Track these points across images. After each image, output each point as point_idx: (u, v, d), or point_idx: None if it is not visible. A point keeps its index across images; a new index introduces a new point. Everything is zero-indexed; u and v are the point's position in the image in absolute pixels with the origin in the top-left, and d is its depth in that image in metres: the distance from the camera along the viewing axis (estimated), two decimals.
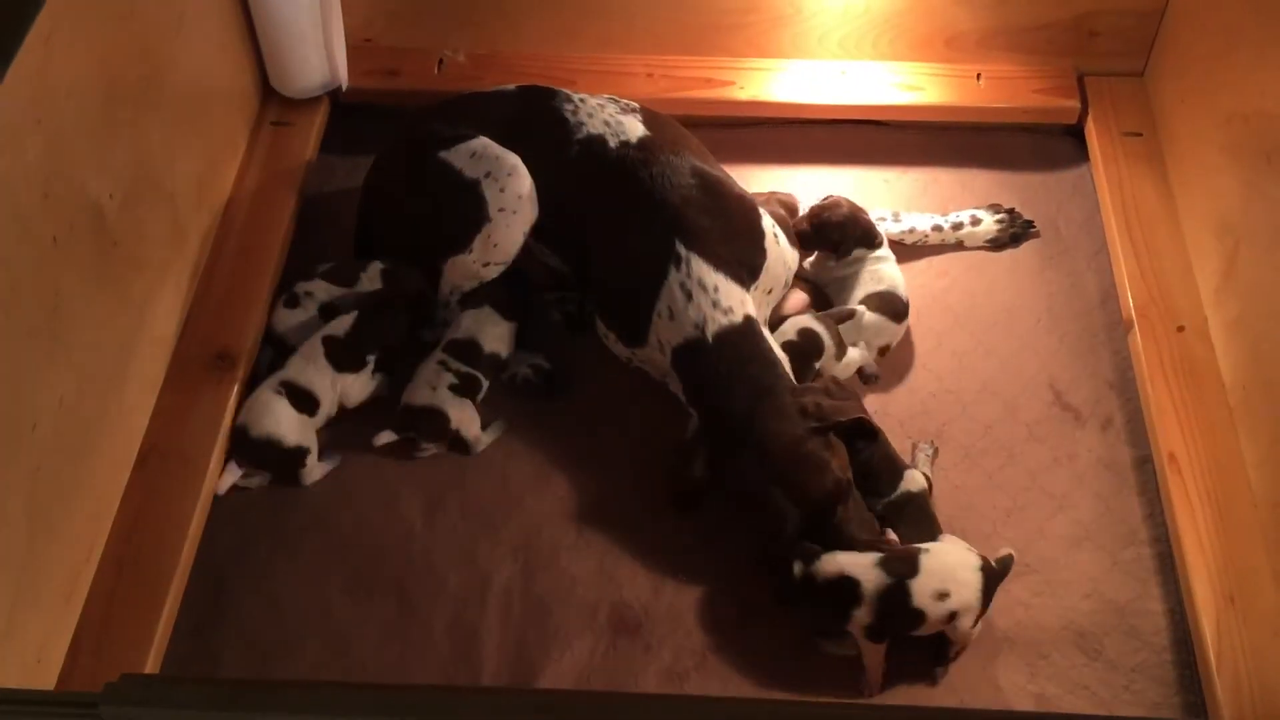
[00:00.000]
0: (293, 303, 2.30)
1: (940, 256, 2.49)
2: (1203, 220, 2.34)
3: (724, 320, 2.09)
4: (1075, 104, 2.65)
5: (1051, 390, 2.30)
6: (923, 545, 1.95)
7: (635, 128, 2.25)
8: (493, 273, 2.27)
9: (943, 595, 1.88)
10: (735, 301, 2.11)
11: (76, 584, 1.92)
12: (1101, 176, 2.55)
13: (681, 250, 2.12)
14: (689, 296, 2.10)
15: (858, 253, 2.33)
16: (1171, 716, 1.91)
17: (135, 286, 2.08)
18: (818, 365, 2.19)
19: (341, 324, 2.23)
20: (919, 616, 1.89)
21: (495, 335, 2.26)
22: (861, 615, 1.89)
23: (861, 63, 2.69)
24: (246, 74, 2.56)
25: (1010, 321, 2.39)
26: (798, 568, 1.93)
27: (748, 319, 2.11)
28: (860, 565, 1.91)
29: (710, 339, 2.08)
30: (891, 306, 2.29)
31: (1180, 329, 2.29)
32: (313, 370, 2.19)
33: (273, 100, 2.63)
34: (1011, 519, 2.12)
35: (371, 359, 2.23)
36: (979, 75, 2.68)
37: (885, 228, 2.44)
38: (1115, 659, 1.98)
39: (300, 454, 2.14)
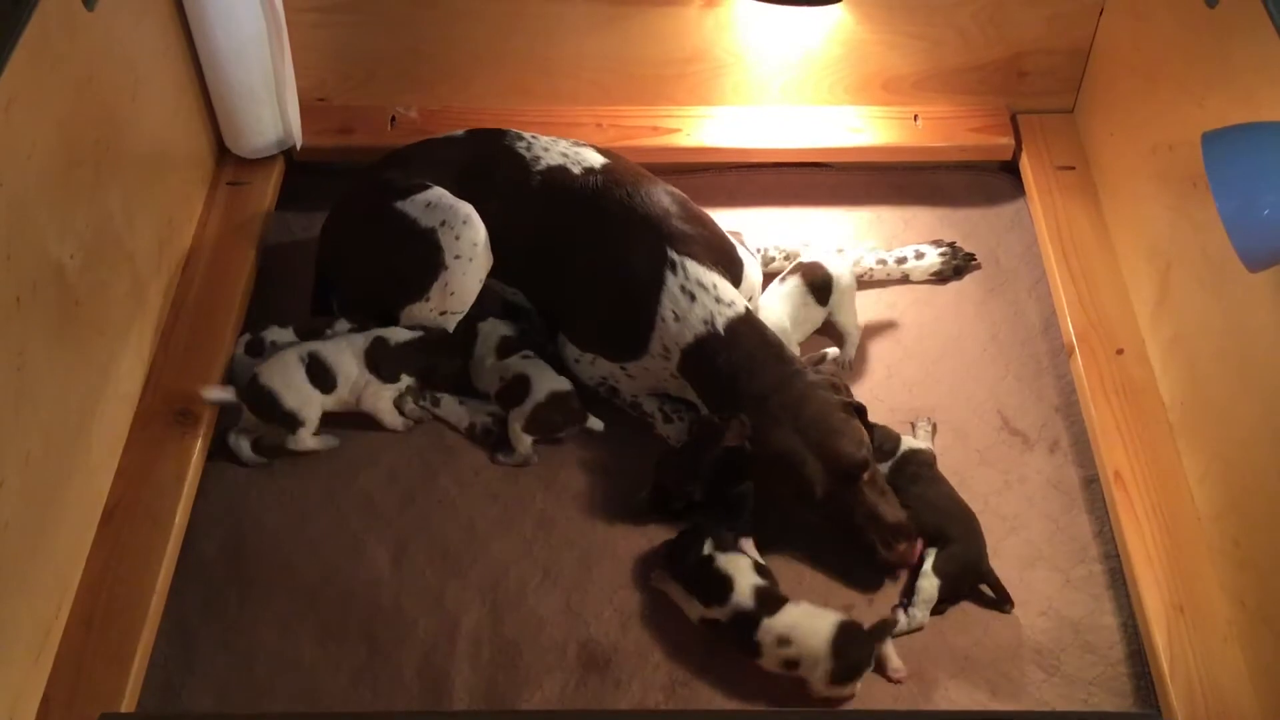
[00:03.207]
0: (256, 350, 2.33)
1: (887, 290, 2.56)
2: (1135, 247, 2.43)
3: (729, 312, 2.18)
4: (1009, 141, 2.74)
5: (999, 416, 2.36)
6: (799, 604, 1.99)
7: (594, 156, 2.34)
8: (450, 322, 2.31)
9: (783, 642, 1.95)
10: (733, 295, 2.21)
11: (46, 641, 1.92)
12: (1038, 209, 2.64)
13: (675, 256, 2.20)
14: (692, 297, 2.17)
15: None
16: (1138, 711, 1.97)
17: (98, 345, 2.11)
18: None
19: (397, 334, 2.26)
20: (755, 648, 1.97)
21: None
22: (713, 613, 2.00)
23: (802, 107, 2.78)
24: (202, 135, 2.60)
25: (957, 351, 2.46)
26: (708, 547, 2.04)
27: (746, 309, 2.20)
28: (744, 580, 2.00)
29: (722, 331, 2.16)
30: (819, 274, 2.41)
31: (1119, 352, 2.36)
32: (344, 357, 2.23)
33: (228, 160, 2.67)
34: None
35: (406, 381, 2.26)
36: (916, 116, 2.77)
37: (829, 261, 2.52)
38: (1073, 673, 2.03)
39: (292, 420, 2.19)
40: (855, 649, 1.94)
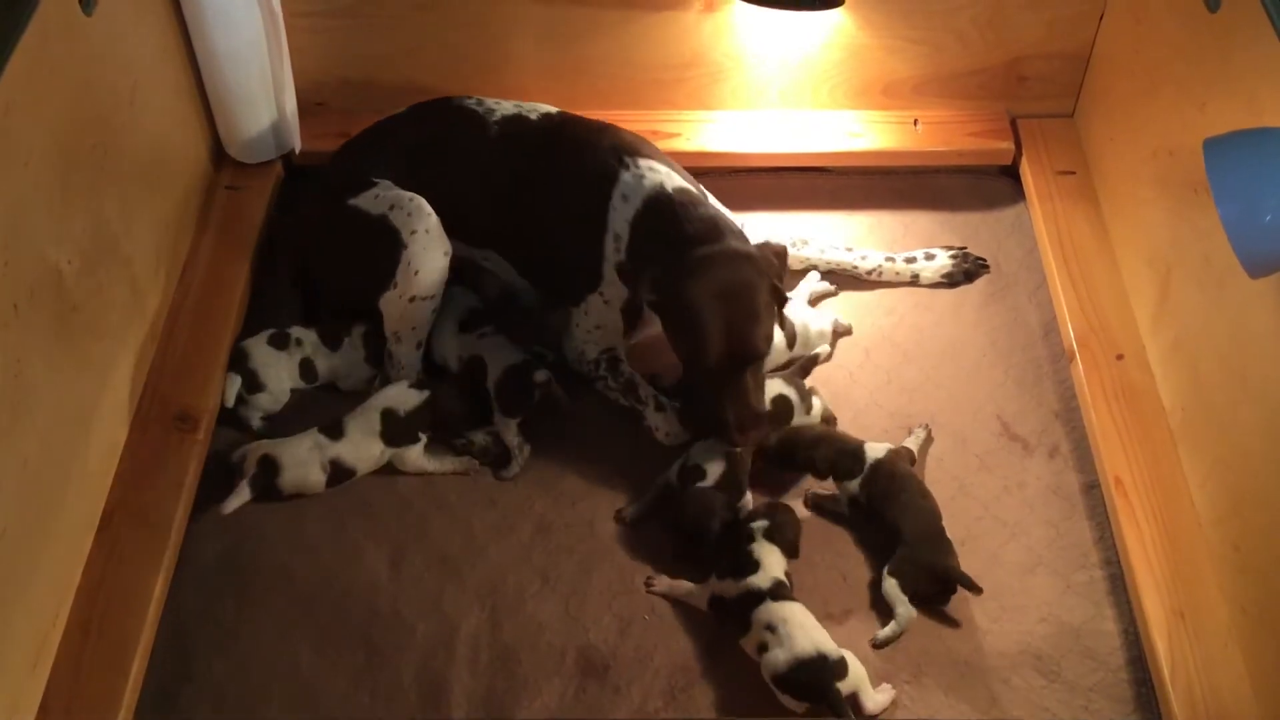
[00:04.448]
0: (281, 343, 2.34)
1: (888, 294, 2.56)
2: (1136, 252, 2.43)
3: (680, 183, 2.21)
4: (1009, 145, 2.74)
5: (999, 421, 2.36)
6: (807, 612, 2.00)
7: (547, 106, 2.39)
8: (422, 309, 2.29)
9: (769, 628, 1.96)
10: (690, 183, 2.24)
11: (43, 650, 1.91)
12: (1038, 214, 2.63)
13: (628, 159, 2.23)
14: (642, 178, 2.20)
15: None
16: None
17: (95, 350, 2.10)
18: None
19: (406, 400, 2.24)
20: (747, 624, 1.99)
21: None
22: (723, 585, 2.04)
23: (802, 111, 2.77)
24: (200, 140, 2.59)
25: (957, 356, 2.46)
26: (760, 524, 2.10)
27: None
28: (769, 571, 2.03)
29: (672, 191, 2.19)
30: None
31: (1120, 357, 2.36)
32: (364, 448, 2.22)
33: (226, 165, 2.67)
34: (966, 548, 2.16)
35: (424, 436, 2.26)
36: (916, 121, 2.77)
37: (838, 257, 2.55)
38: (1073, 680, 2.02)
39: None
40: (809, 676, 1.92)
